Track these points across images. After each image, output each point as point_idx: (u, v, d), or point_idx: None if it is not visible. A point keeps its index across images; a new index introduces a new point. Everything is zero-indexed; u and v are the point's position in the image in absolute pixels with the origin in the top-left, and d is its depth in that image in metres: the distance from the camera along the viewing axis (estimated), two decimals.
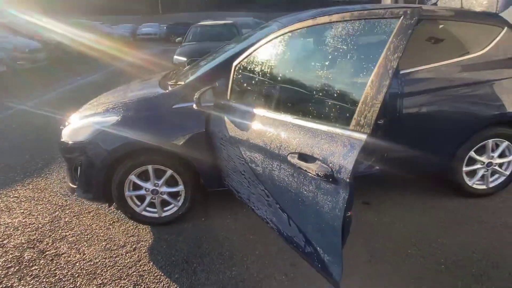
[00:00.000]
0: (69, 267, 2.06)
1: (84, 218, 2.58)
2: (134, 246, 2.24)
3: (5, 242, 2.32)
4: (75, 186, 2.42)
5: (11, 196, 2.94)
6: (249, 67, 1.91)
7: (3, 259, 2.15)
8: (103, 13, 32.92)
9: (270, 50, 1.82)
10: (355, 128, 1.12)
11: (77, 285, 1.92)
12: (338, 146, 1.16)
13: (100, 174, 2.26)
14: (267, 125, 1.60)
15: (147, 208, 2.41)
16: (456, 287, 1.81)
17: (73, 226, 2.48)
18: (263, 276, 1.93)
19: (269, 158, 1.54)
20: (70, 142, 2.33)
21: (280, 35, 1.70)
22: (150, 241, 2.28)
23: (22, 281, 1.96)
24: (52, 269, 2.05)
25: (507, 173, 2.57)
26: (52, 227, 2.47)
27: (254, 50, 1.85)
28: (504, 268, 1.93)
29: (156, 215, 2.42)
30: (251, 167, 1.75)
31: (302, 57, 1.98)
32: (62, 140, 2.42)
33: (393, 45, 1.07)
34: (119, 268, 2.04)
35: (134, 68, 9.55)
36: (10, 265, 2.10)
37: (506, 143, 2.46)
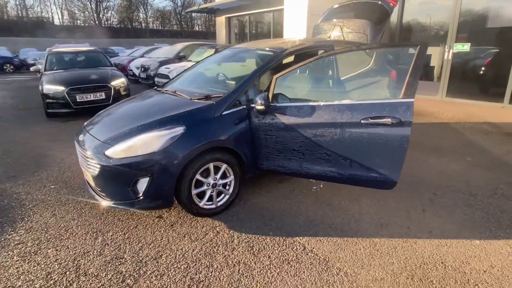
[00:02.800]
0: (183, 258, 2.34)
1: (138, 232, 2.69)
2: (215, 231, 2.67)
3: (82, 270, 2.25)
4: (136, 199, 2.58)
5: (13, 243, 2.56)
6: (293, 78, 2.89)
7: (104, 280, 2.16)
8: None
9: (315, 66, 2.89)
10: (404, 96, 2.35)
11: (208, 263, 2.28)
12: (399, 107, 2.35)
13: (173, 178, 2.58)
14: (331, 109, 2.60)
15: (205, 202, 2.85)
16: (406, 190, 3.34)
17: (137, 239, 2.58)
18: (321, 215, 2.88)
19: (338, 128, 2.55)
20: (136, 156, 2.51)
21: (320, 57, 2.75)
22: (223, 226, 2.76)
23: (155, 280, 2.14)
24: (168, 266, 2.27)
25: None
26: (114, 247, 2.49)
27: (295, 68, 2.81)
28: (417, 175, 3.63)
29: (213, 206, 2.88)
30: (313, 140, 2.69)
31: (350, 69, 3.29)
32: (115, 158, 2.54)
33: (420, 56, 2.39)
34: (224, 244, 2.49)
35: None
36: (122, 278, 2.16)
37: None
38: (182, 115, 2.75)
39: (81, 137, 2.94)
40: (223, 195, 2.95)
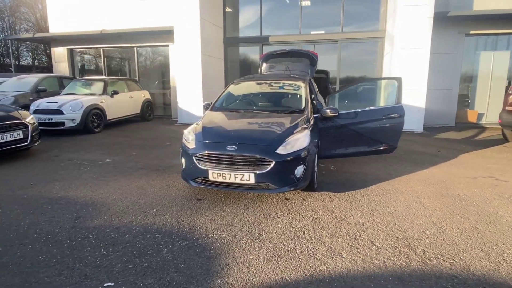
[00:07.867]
0: (340, 208, 3.72)
1: (291, 207, 3.72)
2: (331, 195, 4.10)
3: (320, 230, 3.25)
4: (297, 181, 3.69)
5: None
6: (340, 96, 4.74)
7: (336, 221, 3.29)
8: None
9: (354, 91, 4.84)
10: (398, 103, 4.73)
11: (353, 207, 3.78)
12: (398, 108, 4.66)
13: (313, 164, 3.87)
14: (367, 112, 4.63)
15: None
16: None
17: (300, 211, 3.65)
18: (358, 177, 4.84)
19: (370, 122, 4.62)
20: (297, 150, 3.64)
21: (359, 85, 4.75)
22: (331, 192, 4.18)
23: (345, 216, 3.47)
24: (341, 213, 3.62)
25: None
26: (308, 218, 3.51)
27: (342, 91, 4.70)
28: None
29: (315, 183, 4.25)
30: (356, 131, 4.63)
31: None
32: (284, 154, 3.58)
33: (400, 83, 4.80)
34: (347, 196, 4.00)
35: None
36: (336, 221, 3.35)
37: None
38: (302, 121, 4.06)
39: (230, 148, 3.57)
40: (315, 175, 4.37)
